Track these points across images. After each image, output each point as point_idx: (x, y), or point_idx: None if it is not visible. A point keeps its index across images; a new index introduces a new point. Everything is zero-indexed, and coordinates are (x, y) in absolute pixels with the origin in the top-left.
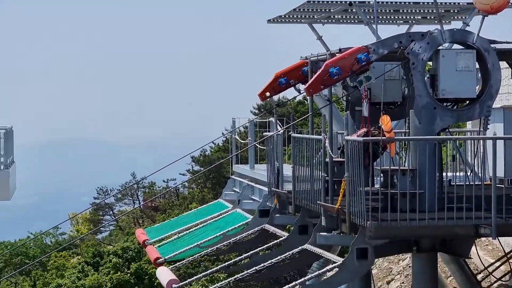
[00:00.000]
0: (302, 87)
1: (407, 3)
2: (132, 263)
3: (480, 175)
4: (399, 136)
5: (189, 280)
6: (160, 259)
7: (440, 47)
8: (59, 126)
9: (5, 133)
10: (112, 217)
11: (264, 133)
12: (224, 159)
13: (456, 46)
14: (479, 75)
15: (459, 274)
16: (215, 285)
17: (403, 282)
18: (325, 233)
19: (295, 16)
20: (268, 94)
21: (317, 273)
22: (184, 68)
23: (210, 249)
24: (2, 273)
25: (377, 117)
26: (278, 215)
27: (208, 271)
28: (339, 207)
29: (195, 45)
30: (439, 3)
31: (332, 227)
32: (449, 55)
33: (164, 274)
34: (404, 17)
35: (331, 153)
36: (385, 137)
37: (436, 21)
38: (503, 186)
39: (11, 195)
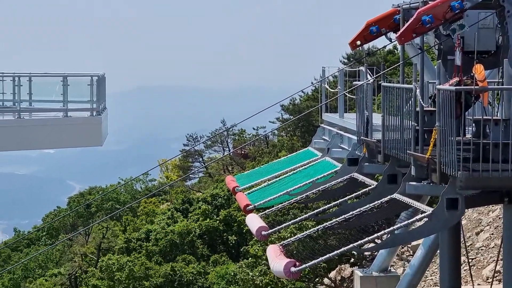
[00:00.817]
0: (393, 35)
1: None
2: (221, 210)
3: None
4: (492, 86)
5: (278, 227)
6: (250, 206)
7: None
8: (151, 72)
9: (98, 80)
10: (202, 164)
11: (354, 82)
12: (313, 108)
13: None
14: None
15: None
16: (303, 233)
17: (492, 234)
18: (414, 183)
19: None
20: (359, 42)
21: (405, 222)
22: (276, 16)
23: (299, 196)
24: (94, 218)
25: (470, 67)
26: (367, 164)
27: (297, 219)
28: (430, 156)
29: None
30: None
31: (422, 177)
32: None
33: (253, 221)
34: None
35: (422, 102)
36: (478, 87)
37: None
38: None
39: (103, 141)
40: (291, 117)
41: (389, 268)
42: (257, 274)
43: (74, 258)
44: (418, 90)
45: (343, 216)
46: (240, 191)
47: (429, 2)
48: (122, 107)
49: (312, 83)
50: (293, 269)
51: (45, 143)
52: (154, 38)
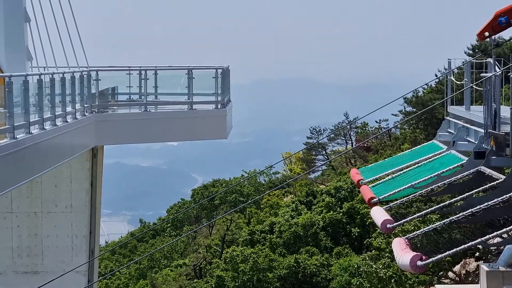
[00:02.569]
0: None
1: None
2: (345, 202)
3: None
4: None
5: (403, 220)
6: (374, 199)
7: None
8: (272, 65)
9: (222, 72)
10: (325, 157)
11: (482, 74)
12: (436, 100)
13: None
14: None
15: None
16: (428, 226)
17: None
18: None
19: None
20: (487, 34)
21: None
22: (398, 7)
23: (424, 190)
24: (218, 210)
25: None
26: (494, 157)
27: (421, 212)
28: None
29: None
30: None
31: None
32: None
33: (378, 214)
34: None
35: None
36: None
37: None
38: None
39: (227, 134)
40: (414, 109)
41: None
42: (380, 266)
43: (198, 250)
44: None
45: (469, 210)
46: (365, 184)
47: None
48: (242, 100)
49: (436, 75)
50: (419, 262)
51: (170, 136)
52: (275, 31)
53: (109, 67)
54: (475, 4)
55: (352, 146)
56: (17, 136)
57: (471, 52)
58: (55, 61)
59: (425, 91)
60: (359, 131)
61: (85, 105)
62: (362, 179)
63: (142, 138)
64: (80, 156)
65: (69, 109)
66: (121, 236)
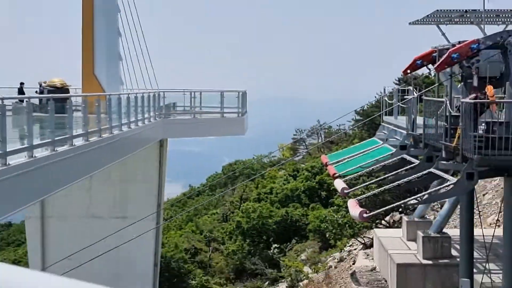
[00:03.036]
0: (431, 67)
1: (504, 10)
2: (317, 176)
3: None
4: (498, 100)
5: (354, 188)
6: (336, 174)
7: None
8: (284, 85)
9: (241, 94)
10: (305, 147)
11: (405, 96)
12: (376, 112)
13: None
14: None
15: None
16: (370, 192)
17: (494, 195)
18: (444, 162)
19: (426, 20)
20: (408, 71)
21: (438, 188)
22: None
23: (367, 169)
24: (238, 179)
25: (483, 87)
26: (412, 149)
27: (366, 183)
28: (455, 145)
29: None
30: None
31: (449, 158)
32: None
33: (338, 184)
34: (502, 20)
35: (450, 110)
36: (488, 100)
37: None
38: None
39: (245, 132)
40: (362, 118)
41: (425, 216)
42: (339, 216)
43: (225, 204)
44: (448, 102)
45: (396, 182)
46: (330, 164)
47: (456, 45)
48: (257, 111)
49: (375, 97)
50: (364, 215)
51: (210, 132)
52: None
53: (171, 89)
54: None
55: (322, 140)
56: (113, 132)
57: (397, 82)
58: (137, 85)
59: (368, 106)
60: (327, 131)
61: (156, 113)
62: (328, 161)
63: (191, 134)
64: (153, 145)
65: (146, 115)
66: (177, 195)
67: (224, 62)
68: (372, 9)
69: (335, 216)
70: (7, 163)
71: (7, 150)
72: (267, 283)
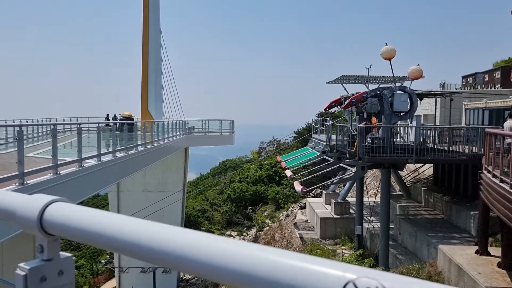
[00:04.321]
0: (340, 107)
1: (379, 76)
2: (273, 168)
3: (406, 139)
4: (378, 124)
5: (297, 175)
6: (286, 167)
7: (395, 92)
8: (247, 114)
9: (231, 122)
10: (266, 152)
11: (325, 123)
12: (307, 132)
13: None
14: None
15: (397, 178)
16: (305, 177)
17: (372, 178)
18: (348, 160)
19: (336, 81)
20: (327, 109)
21: (344, 175)
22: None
23: (303, 163)
24: (228, 170)
25: (370, 118)
26: (329, 153)
27: (304, 172)
28: (354, 150)
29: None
30: (391, 76)
31: (351, 158)
32: (398, 95)
33: (288, 172)
34: (378, 81)
35: (352, 130)
36: (372, 125)
37: (392, 81)
38: (414, 144)
39: (233, 143)
40: (297, 135)
41: (335, 190)
42: (286, 191)
43: (221, 183)
44: (350, 126)
45: (320, 172)
46: (282, 161)
47: (354, 94)
48: (238, 131)
49: (307, 122)
50: (304, 190)
51: (213, 143)
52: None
53: (191, 119)
54: (327, 91)
55: (275, 148)
56: (160, 143)
57: (318, 114)
58: (172, 115)
59: (301, 129)
60: (277, 143)
61: (183, 132)
62: (281, 160)
63: (202, 144)
64: (181, 150)
65: (177, 133)
66: (193, 179)
67: (214, 96)
68: (303, 68)
69: (284, 191)
70: (101, 160)
71: (101, 152)
72: (245, 228)
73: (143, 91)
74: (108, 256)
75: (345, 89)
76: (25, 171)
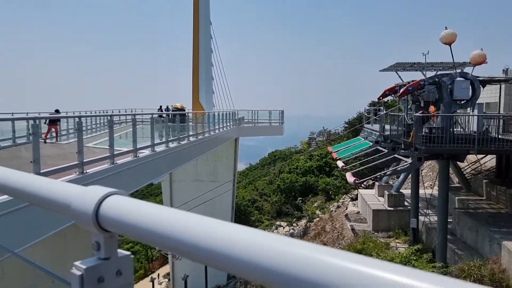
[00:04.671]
0: (394, 96)
1: (437, 62)
2: (323, 158)
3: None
4: (436, 113)
5: (348, 166)
6: (337, 158)
7: (455, 79)
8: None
9: (281, 112)
10: (316, 142)
11: (378, 113)
12: (357, 124)
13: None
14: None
15: (455, 170)
16: (358, 168)
17: (428, 170)
18: (403, 150)
19: (390, 68)
20: (381, 98)
21: (399, 166)
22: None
23: (355, 154)
24: (277, 161)
25: (427, 107)
26: (383, 143)
27: (356, 163)
28: (411, 140)
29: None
30: (451, 62)
31: (406, 148)
32: (459, 81)
33: (339, 163)
34: (435, 68)
35: (407, 120)
36: (431, 114)
37: (452, 67)
38: (476, 134)
39: (283, 133)
40: (348, 126)
41: (388, 182)
42: (337, 182)
43: (271, 174)
44: (405, 116)
45: (373, 163)
46: (333, 152)
47: (410, 82)
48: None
49: (358, 112)
50: (356, 181)
51: (263, 133)
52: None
53: (241, 109)
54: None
55: (326, 138)
56: (211, 133)
57: (370, 104)
58: (222, 106)
59: (351, 119)
60: (329, 132)
61: (233, 122)
62: (332, 150)
63: (252, 134)
64: (231, 140)
65: (227, 124)
66: (242, 169)
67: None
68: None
69: (335, 182)
70: (154, 150)
71: (155, 142)
72: (295, 219)
73: (194, 83)
74: None
75: (399, 77)
76: (84, 160)
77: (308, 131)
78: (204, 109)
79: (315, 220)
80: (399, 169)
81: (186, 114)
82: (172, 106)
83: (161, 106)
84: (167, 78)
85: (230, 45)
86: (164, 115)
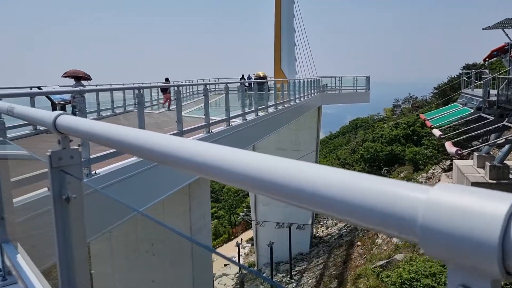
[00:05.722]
0: (503, 56)
1: None
2: (411, 127)
3: None
4: None
5: (446, 135)
6: (432, 126)
7: None
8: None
9: (367, 78)
10: (401, 110)
11: (483, 76)
12: (448, 89)
13: None
14: None
15: None
16: (458, 138)
17: None
18: None
19: (497, 25)
20: (487, 59)
21: (508, 136)
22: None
23: (453, 122)
24: (358, 130)
25: None
26: (486, 110)
27: (455, 132)
28: None
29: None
30: None
31: None
32: None
33: (435, 131)
34: None
35: None
36: None
37: None
38: None
39: (369, 100)
40: (437, 92)
41: (489, 153)
42: (427, 152)
43: (352, 143)
44: None
45: (475, 132)
46: (427, 120)
47: None
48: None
49: (449, 76)
50: (458, 152)
51: (348, 101)
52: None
53: (325, 76)
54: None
55: (412, 105)
56: (296, 101)
57: (464, 67)
58: (304, 74)
59: (441, 84)
60: (415, 99)
61: (316, 90)
62: (425, 118)
63: (337, 101)
64: (314, 110)
65: (311, 92)
66: (323, 138)
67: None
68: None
69: (425, 151)
70: (230, 124)
71: (230, 115)
72: None
73: (276, 50)
74: (245, 209)
75: (507, 35)
76: (183, 129)
77: (392, 98)
78: (287, 77)
79: None
80: (510, 138)
81: (267, 82)
82: (254, 74)
83: (243, 75)
84: (249, 46)
85: (313, 8)
86: (247, 84)
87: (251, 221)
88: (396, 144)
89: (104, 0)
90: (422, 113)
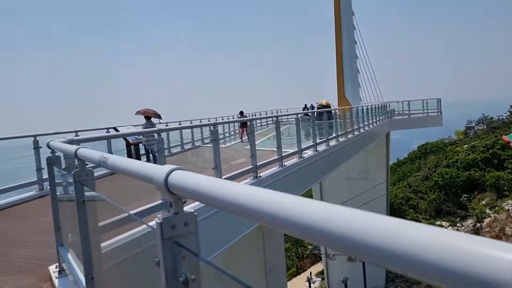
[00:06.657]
0: None
1: None
2: (490, 149)
3: None
4: None
5: None
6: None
7: None
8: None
9: (438, 100)
10: (475, 132)
11: None
12: None
13: None
14: None
15: None
16: None
17: None
18: None
19: None
20: None
21: None
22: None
23: None
24: (428, 155)
25: None
26: None
27: None
28: None
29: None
30: None
31: None
32: None
33: None
34: None
35: None
36: None
37: None
38: None
39: (442, 124)
40: None
41: None
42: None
43: (423, 169)
44: None
45: None
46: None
47: None
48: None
49: None
50: None
51: (420, 125)
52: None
53: (392, 101)
54: None
55: (487, 127)
56: (361, 131)
57: None
58: (370, 100)
59: None
60: (490, 119)
61: (384, 116)
62: (509, 140)
63: (408, 126)
64: (381, 137)
65: (378, 118)
66: (390, 165)
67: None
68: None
69: (510, 176)
70: (302, 156)
71: (302, 147)
72: (458, 218)
73: (338, 77)
74: None
75: None
76: (258, 164)
77: (459, 119)
78: (351, 104)
79: (486, 220)
80: None
81: (333, 110)
82: (317, 103)
83: (306, 105)
84: (310, 75)
85: (374, 32)
86: (309, 114)
87: (320, 254)
88: (474, 169)
89: (171, 38)
90: (505, 135)
